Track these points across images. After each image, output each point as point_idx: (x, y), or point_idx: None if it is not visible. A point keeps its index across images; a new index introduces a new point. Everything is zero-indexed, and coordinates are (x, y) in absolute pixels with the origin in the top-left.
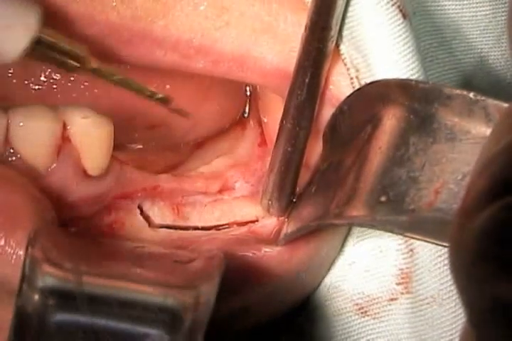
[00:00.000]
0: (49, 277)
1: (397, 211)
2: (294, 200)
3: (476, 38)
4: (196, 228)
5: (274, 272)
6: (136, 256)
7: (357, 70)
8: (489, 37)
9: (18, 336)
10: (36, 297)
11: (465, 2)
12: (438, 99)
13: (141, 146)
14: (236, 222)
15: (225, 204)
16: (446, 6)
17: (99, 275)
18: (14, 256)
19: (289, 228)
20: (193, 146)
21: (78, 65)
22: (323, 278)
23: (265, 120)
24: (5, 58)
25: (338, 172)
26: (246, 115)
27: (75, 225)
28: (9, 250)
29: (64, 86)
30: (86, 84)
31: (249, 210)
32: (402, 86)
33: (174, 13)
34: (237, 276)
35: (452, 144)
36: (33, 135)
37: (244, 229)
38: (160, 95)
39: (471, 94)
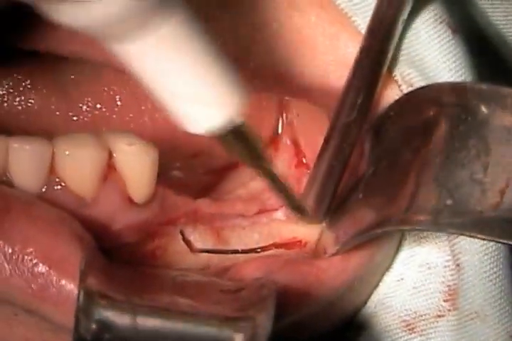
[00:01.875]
0: (104, 310)
1: (463, 213)
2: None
3: None
4: (236, 251)
5: (331, 284)
6: (182, 286)
7: (410, 85)
8: None
9: None
10: (94, 326)
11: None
12: (494, 99)
13: (181, 174)
14: (275, 243)
15: (264, 226)
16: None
17: (152, 307)
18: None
19: (339, 237)
20: (227, 168)
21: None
22: (372, 293)
23: (301, 140)
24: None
25: (391, 178)
26: (279, 132)
27: (116, 254)
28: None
29: (109, 117)
30: (131, 115)
31: (288, 232)
32: (457, 88)
33: None
34: (294, 295)
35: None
36: (78, 163)
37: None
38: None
39: None
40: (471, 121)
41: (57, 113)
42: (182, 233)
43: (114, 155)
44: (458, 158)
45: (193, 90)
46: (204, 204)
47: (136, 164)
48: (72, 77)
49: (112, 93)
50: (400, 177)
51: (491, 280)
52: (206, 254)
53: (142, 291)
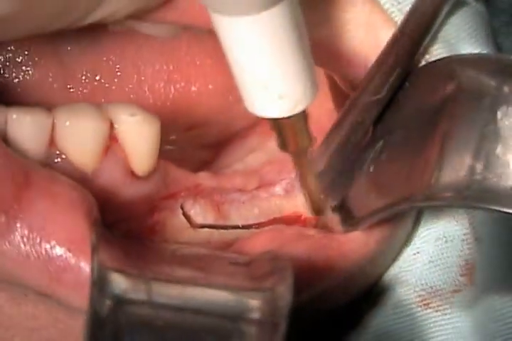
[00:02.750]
0: (118, 285)
1: (494, 188)
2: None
3: None
4: (237, 227)
5: (353, 257)
6: (190, 259)
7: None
8: None
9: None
10: (108, 302)
11: None
12: None
13: (177, 148)
14: (276, 218)
15: (263, 201)
16: None
17: (167, 281)
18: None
19: (355, 212)
20: (223, 143)
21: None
22: (389, 266)
23: None
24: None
25: (407, 152)
26: None
27: (116, 227)
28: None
29: (108, 89)
30: (130, 86)
31: (288, 207)
32: (481, 60)
33: None
34: (315, 268)
35: None
36: (79, 135)
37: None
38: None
39: None
40: (497, 94)
41: (55, 85)
42: (182, 207)
43: (116, 126)
44: (487, 131)
45: (273, 78)
46: (205, 178)
47: (138, 135)
48: (69, 48)
49: (111, 63)
50: (420, 151)
51: (509, 253)
52: (206, 229)
53: (153, 265)
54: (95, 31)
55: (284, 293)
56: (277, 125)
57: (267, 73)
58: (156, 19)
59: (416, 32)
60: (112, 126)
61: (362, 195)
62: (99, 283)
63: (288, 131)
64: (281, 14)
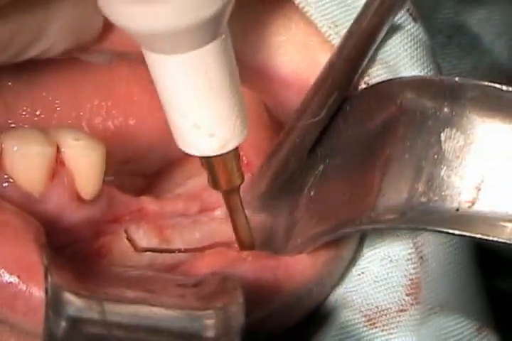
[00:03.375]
0: (72, 305)
1: (439, 210)
2: None
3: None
4: (180, 250)
5: (300, 279)
6: (137, 280)
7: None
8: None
9: None
10: (63, 324)
11: None
12: (465, 93)
13: (115, 179)
14: (217, 243)
15: (204, 225)
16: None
17: (119, 301)
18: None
19: (300, 236)
20: (162, 170)
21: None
22: (335, 287)
23: None
24: None
25: (351, 175)
26: None
27: (62, 251)
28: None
29: (47, 124)
30: (69, 122)
31: (228, 232)
32: (422, 83)
33: None
34: (264, 289)
35: (486, 138)
36: (27, 159)
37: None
38: None
39: (503, 87)
40: (440, 116)
41: None
42: (126, 231)
43: (63, 150)
44: (430, 154)
45: (203, 117)
46: (147, 202)
47: (84, 158)
48: (10, 83)
49: (50, 99)
50: (362, 174)
51: (455, 272)
52: (150, 253)
53: (102, 287)
54: (36, 65)
55: (237, 311)
56: (208, 163)
57: (197, 112)
58: (93, 49)
59: (353, 55)
60: (58, 150)
61: (305, 218)
62: (53, 305)
63: (219, 169)
64: (211, 53)
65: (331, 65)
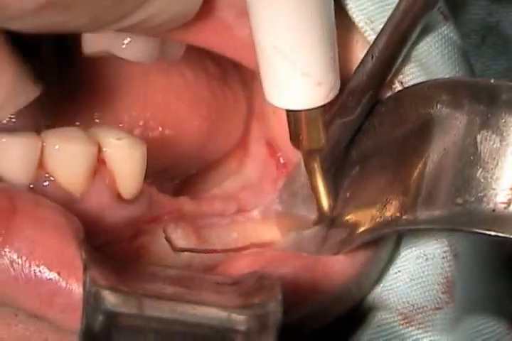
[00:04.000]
0: (110, 300)
1: (476, 211)
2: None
3: None
4: (216, 251)
5: (338, 279)
6: (176, 278)
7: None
8: None
9: None
10: (101, 318)
11: None
12: (500, 95)
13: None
14: (253, 244)
15: (241, 225)
16: None
17: (157, 297)
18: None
19: (337, 236)
20: (199, 171)
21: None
22: (373, 287)
23: (277, 139)
24: None
25: (387, 177)
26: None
27: (101, 251)
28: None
29: None
30: None
31: (264, 232)
32: (458, 85)
33: None
34: (303, 289)
35: None
36: (69, 158)
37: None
38: None
39: None
40: (476, 119)
41: None
42: (164, 231)
43: (104, 149)
44: (466, 155)
45: (314, 64)
46: (186, 202)
47: (125, 158)
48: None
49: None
50: (398, 177)
51: (486, 270)
52: (188, 253)
53: (141, 283)
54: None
55: (275, 308)
56: (295, 119)
57: (308, 59)
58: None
59: (387, 54)
60: (100, 149)
61: (341, 219)
62: (91, 300)
63: (305, 126)
64: None
65: (364, 64)
